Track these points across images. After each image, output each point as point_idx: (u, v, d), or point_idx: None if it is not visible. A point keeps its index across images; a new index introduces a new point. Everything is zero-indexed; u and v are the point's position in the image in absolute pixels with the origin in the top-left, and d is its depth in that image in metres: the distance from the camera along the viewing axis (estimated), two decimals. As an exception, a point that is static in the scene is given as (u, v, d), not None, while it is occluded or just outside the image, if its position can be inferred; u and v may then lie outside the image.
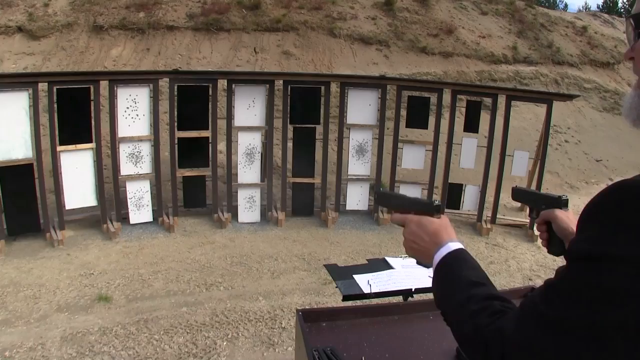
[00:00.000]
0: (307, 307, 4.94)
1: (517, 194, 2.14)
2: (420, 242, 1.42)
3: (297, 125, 7.45)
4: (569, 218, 1.75)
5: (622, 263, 0.89)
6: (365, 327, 2.26)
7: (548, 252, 1.82)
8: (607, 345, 0.92)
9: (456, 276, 1.27)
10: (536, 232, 7.38)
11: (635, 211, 0.90)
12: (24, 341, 4.51)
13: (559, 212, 1.78)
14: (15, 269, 5.78)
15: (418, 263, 1.47)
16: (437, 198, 1.53)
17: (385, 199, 1.73)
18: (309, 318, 2.24)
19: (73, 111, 6.42)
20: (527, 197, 2.07)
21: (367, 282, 2.38)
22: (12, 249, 6.21)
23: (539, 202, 1.90)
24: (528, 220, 7.64)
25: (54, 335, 4.61)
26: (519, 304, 1.09)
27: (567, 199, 1.83)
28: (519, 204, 8.56)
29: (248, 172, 7.32)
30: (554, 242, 1.79)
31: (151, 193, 7.02)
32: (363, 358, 2.03)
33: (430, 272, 1.92)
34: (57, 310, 5.04)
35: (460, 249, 1.34)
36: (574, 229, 1.72)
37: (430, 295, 2.61)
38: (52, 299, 5.22)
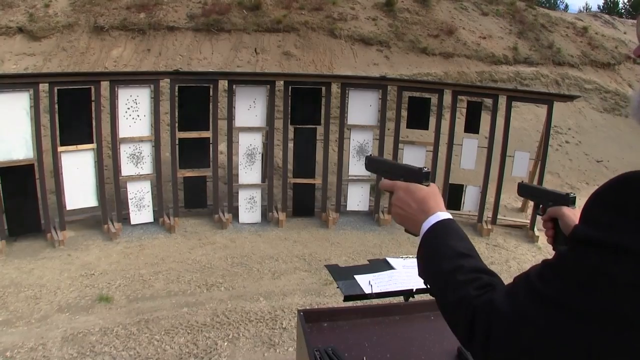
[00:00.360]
0: (308, 308, 4.95)
1: (523, 189, 2.15)
2: (407, 209, 1.39)
3: (298, 126, 7.45)
4: (576, 216, 1.73)
5: (627, 255, 0.89)
6: (367, 327, 2.26)
7: (553, 249, 1.81)
8: (599, 331, 0.91)
9: (443, 245, 1.25)
10: (541, 228, 7.39)
11: None
12: (25, 341, 4.52)
13: (566, 210, 1.77)
14: (16, 269, 5.79)
15: (406, 231, 1.43)
16: (427, 166, 1.50)
17: (374, 164, 1.71)
18: (310, 318, 2.25)
19: (74, 112, 6.42)
20: (534, 194, 2.06)
21: (368, 282, 2.38)
22: (12, 250, 6.21)
23: (545, 199, 1.89)
24: (529, 221, 7.65)
25: (54, 335, 4.62)
26: (513, 279, 1.08)
27: (575, 197, 1.83)
28: (519, 205, 8.57)
29: (249, 172, 7.33)
30: (559, 239, 1.79)
31: (152, 193, 7.02)
32: (364, 358, 2.04)
33: None
34: (58, 310, 5.05)
35: (449, 219, 1.32)
36: None
37: (430, 296, 2.62)
38: (53, 299, 5.23)
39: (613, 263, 0.90)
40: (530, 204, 7.90)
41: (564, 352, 0.95)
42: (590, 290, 0.92)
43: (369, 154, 1.80)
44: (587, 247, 0.95)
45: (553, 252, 1.82)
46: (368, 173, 7.60)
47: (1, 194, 6.13)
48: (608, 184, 0.97)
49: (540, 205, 1.93)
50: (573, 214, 1.75)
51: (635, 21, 1.13)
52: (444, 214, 1.33)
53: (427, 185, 1.43)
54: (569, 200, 1.81)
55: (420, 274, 1.29)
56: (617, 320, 0.90)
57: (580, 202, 1.16)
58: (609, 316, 0.91)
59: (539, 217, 1.94)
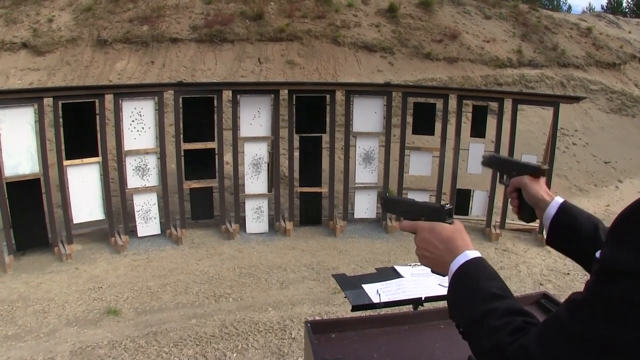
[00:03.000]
0: (316, 318, 4.93)
1: (491, 160, 2.09)
2: (434, 250, 1.35)
3: (303, 135, 7.44)
4: (539, 185, 1.73)
5: None
6: (375, 337, 2.23)
7: (519, 218, 1.83)
8: None
9: (475, 287, 1.20)
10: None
11: None
12: (33, 356, 4.50)
13: (529, 179, 1.75)
14: (24, 283, 5.79)
15: (433, 272, 1.40)
16: (447, 201, 1.48)
17: (393, 205, 1.67)
18: (318, 329, 2.22)
19: (79, 125, 6.45)
20: (501, 163, 2.01)
21: (376, 291, 2.35)
22: (20, 264, 6.22)
23: (511, 169, 1.87)
24: (537, 225, 7.59)
25: (63, 349, 4.60)
26: (543, 321, 1.04)
27: (543, 169, 1.82)
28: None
29: (255, 182, 7.31)
30: (523, 209, 1.78)
31: (158, 205, 7.02)
32: (373, 369, 2.01)
33: (440, 279, 1.85)
34: (66, 324, 5.04)
35: (478, 257, 1.27)
36: (544, 195, 1.68)
37: (440, 304, 2.58)
38: (61, 313, 5.22)
39: None
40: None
41: None
42: (630, 325, 0.87)
43: (384, 195, 1.79)
44: (620, 276, 0.90)
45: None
46: (375, 180, 7.58)
47: (8, 209, 6.14)
48: (637, 202, 0.92)
49: (504, 176, 1.90)
50: (536, 183, 1.73)
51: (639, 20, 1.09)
52: (473, 253, 1.28)
53: (450, 223, 1.38)
54: (535, 171, 1.78)
55: (452, 317, 1.25)
56: None
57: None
58: None
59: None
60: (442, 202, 1.44)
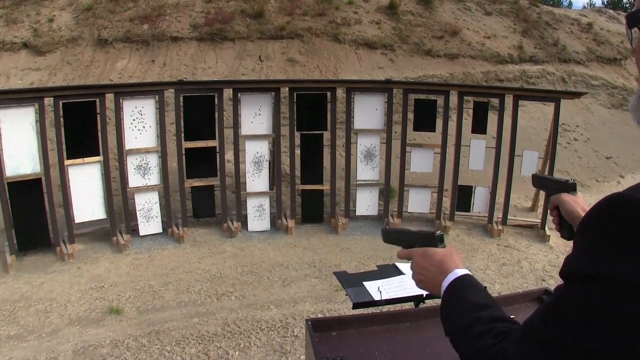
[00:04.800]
0: (317, 316, 4.92)
1: (536, 180, 2.15)
2: (427, 273, 1.44)
3: (305, 132, 7.43)
4: (576, 202, 1.76)
5: (622, 287, 0.86)
6: (376, 335, 2.22)
7: (561, 236, 1.84)
8: None
9: (462, 300, 1.27)
10: (552, 227, 7.30)
11: (632, 229, 0.86)
12: (36, 355, 4.52)
13: (565, 196, 1.79)
14: (26, 283, 5.80)
15: (430, 295, 1.53)
16: (439, 229, 1.58)
17: (390, 236, 1.75)
18: (319, 327, 2.21)
19: (80, 125, 6.45)
20: (543, 184, 2.09)
21: (378, 289, 2.35)
22: (22, 264, 6.23)
23: (551, 188, 1.91)
24: (539, 221, 7.58)
25: (65, 349, 4.61)
26: (522, 324, 1.07)
27: (574, 183, 1.85)
28: (529, 205, 8.50)
29: (256, 180, 7.31)
30: (563, 226, 1.81)
31: (160, 204, 7.02)
32: (375, 367, 2.00)
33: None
34: (69, 324, 5.05)
35: (466, 274, 1.34)
36: (579, 211, 1.70)
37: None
38: (64, 312, 5.23)
39: (611, 298, 0.87)
40: (540, 203, 7.85)
41: None
42: (593, 330, 0.89)
43: (384, 227, 1.86)
44: (582, 282, 0.93)
45: (563, 251, 1.80)
46: (376, 177, 7.58)
47: (10, 209, 6.15)
48: (597, 206, 0.94)
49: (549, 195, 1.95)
50: (573, 200, 1.76)
51: None
52: (462, 271, 1.35)
53: (442, 247, 1.48)
54: (568, 187, 1.83)
55: (445, 332, 1.29)
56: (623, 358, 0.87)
57: (590, 200, 1.13)
58: (613, 354, 0.88)
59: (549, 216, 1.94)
60: (435, 230, 1.51)
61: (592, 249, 0.92)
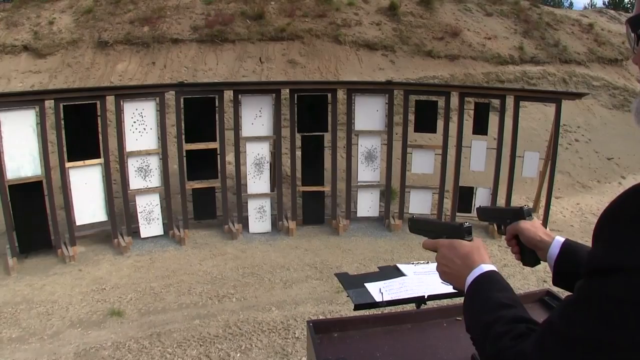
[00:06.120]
0: (319, 317, 4.92)
1: (482, 213, 2.13)
2: (452, 265, 1.42)
3: (305, 134, 7.43)
4: (535, 227, 1.73)
5: None
6: (378, 336, 2.21)
7: (523, 264, 1.82)
8: None
9: (485, 298, 1.25)
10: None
11: None
12: (38, 358, 4.52)
13: (523, 223, 1.76)
14: (27, 286, 5.80)
15: (454, 288, 1.45)
16: (467, 222, 1.54)
17: (417, 226, 1.73)
18: (320, 329, 2.20)
19: (80, 127, 6.45)
20: (492, 215, 2.07)
21: (379, 290, 2.34)
22: (24, 266, 6.22)
23: (504, 218, 1.87)
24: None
25: (67, 351, 4.61)
26: (540, 324, 1.05)
27: (529, 209, 1.82)
28: (531, 205, 8.47)
29: (257, 182, 7.31)
30: (525, 254, 1.77)
31: (161, 206, 7.02)
32: (376, 368, 2.00)
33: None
34: (70, 326, 5.04)
35: (491, 271, 1.32)
36: (542, 236, 1.68)
37: (443, 302, 2.57)
38: (65, 315, 5.22)
39: (634, 287, 0.85)
40: (542, 204, 7.83)
41: None
42: (619, 324, 0.87)
43: (412, 216, 1.86)
44: (602, 275, 0.91)
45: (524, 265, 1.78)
46: (377, 179, 7.58)
47: (11, 212, 6.15)
48: (618, 198, 0.93)
49: (502, 226, 1.90)
50: (531, 226, 1.74)
51: None
52: (488, 266, 1.33)
53: (470, 240, 1.44)
54: (524, 213, 1.79)
55: (466, 329, 1.28)
56: None
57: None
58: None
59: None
60: (463, 222, 1.50)
61: (614, 240, 0.91)
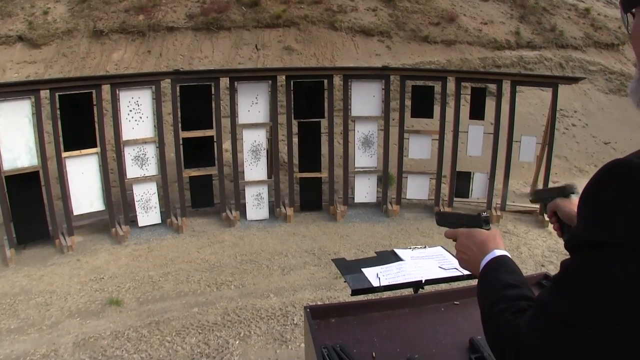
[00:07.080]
0: (316, 303, 4.93)
1: (535, 195, 2.20)
2: (469, 252, 1.50)
3: (302, 120, 7.42)
4: (572, 203, 1.80)
5: (629, 251, 0.85)
6: (375, 321, 2.22)
7: (563, 239, 1.85)
8: (614, 339, 0.89)
9: (494, 279, 1.30)
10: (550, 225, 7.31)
11: (632, 192, 0.86)
12: (37, 348, 4.52)
13: (560, 200, 1.85)
14: (25, 276, 5.80)
15: (473, 275, 1.54)
16: (486, 211, 1.65)
17: (443, 218, 1.83)
18: (318, 314, 2.21)
19: (76, 117, 6.42)
20: (544, 196, 2.06)
21: (376, 275, 2.35)
22: (22, 257, 6.23)
23: (550, 197, 1.93)
24: (538, 206, 7.58)
25: (66, 341, 4.62)
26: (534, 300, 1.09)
27: (572, 186, 1.90)
28: (528, 190, 8.49)
29: (254, 169, 7.30)
30: (564, 230, 1.85)
31: (158, 195, 7.01)
32: (373, 354, 2.00)
33: (441, 262, 1.99)
34: (69, 316, 5.05)
35: (503, 255, 1.38)
36: None
37: (440, 287, 2.58)
38: (64, 305, 5.23)
39: (615, 263, 0.87)
40: (539, 188, 7.83)
41: None
42: (602, 299, 0.89)
43: (438, 210, 1.94)
44: (587, 250, 0.93)
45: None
46: (374, 164, 7.58)
47: (8, 203, 6.13)
48: (596, 174, 0.95)
49: (545, 205, 1.96)
50: (569, 203, 1.82)
51: None
52: (500, 251, 1.40)
53: (488, 229, 1.54)
54: (566, 192, 1.88)
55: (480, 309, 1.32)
56: (633, 326, 0.87)
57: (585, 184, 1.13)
58: (622, 322, 0.88)
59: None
60: (481, 212, 1.66)
61: (595, 216, 0.93)
